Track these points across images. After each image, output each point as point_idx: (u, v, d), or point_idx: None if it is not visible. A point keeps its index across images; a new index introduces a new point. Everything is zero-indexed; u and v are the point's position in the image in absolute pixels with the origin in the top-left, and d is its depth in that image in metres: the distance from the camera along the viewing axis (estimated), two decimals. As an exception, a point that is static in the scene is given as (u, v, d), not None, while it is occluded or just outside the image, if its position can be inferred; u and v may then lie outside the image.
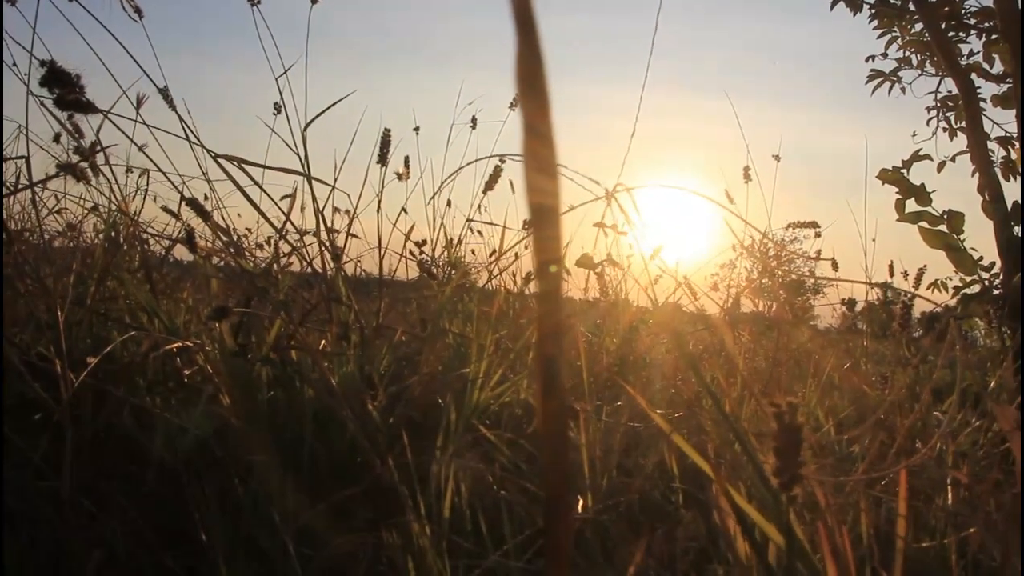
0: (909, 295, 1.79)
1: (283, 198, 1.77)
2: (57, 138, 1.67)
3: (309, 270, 1.74)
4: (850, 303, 2.62)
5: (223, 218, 1.80)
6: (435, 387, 1.57)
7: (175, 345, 1.43)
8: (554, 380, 0.30)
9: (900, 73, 4.02)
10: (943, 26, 3.39)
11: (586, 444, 1.24)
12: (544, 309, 0.30)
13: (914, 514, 0.99)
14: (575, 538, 1.14)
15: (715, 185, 2.41)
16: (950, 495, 1.04)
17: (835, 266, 2.82)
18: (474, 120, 2.31)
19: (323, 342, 1.64)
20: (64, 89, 0.97)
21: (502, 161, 1.93)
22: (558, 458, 0.32)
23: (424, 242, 2.30)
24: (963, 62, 3.51)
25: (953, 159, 3.95)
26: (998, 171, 3.26)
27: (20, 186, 1.74)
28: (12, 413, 1.28)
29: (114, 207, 1.86)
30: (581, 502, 1.20)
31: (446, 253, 2.40)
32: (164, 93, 1.63)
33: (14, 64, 1.54)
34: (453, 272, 2.27)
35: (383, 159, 1.71)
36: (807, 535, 0.78)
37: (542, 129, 0.29)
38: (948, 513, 1.00)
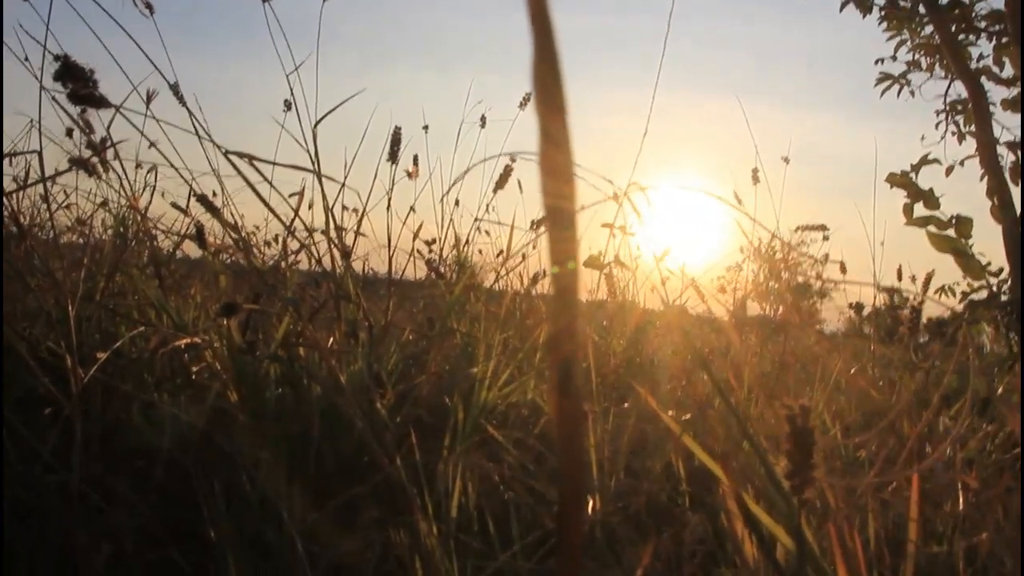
0: (917, 300, 1.79)
1: (292, 195, 1.78)
2: (69, 133, 1.68)
3: (318, 268, 1.74)
4: (858, 307, 2.62)
5: (232, 215, 1.80)
6: (443, 386, 1.57)
7: (183, 341, 1.43)
8: (569, 382, 0.30)
9: (909, 76, 4.01)
10: (953, 29, 3.38)
11: (594, 446, 1.24)
12: (559, 309, 0.30)
13: (923, 519, 0.99)
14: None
15: (724, 187, 2.40)
16: (960, 500, 1.04)
17: (843, 269, 2.81)
18: (483, 119, 2.31)
19: (331, 340, 1.65)
20: (77, 84, 0.97)
21: (512, 160, 1.93)
22: (574, 460, 0.32)
23: (433, 241, 2.30)
24: (973, 66, 3.50)
25: (962, 163, 3.95)
26: (1007, 175, 3.24)
27: (31, 180, 1.75)
28: (21, 407, 1.28)
29: (124, 202, 1.87)
30: (590, 503, 1.21)
31: (454, 252, 2.40)
32: (175, 89, 1.63)
33: (26, 59, 1.54)
34: (461, 272, 2.27)
35: (394, 156, 1.71)
36: (816, 538, 0.78)
37: (557, 134, 0.29)
38: (957, 518, 1.00)
